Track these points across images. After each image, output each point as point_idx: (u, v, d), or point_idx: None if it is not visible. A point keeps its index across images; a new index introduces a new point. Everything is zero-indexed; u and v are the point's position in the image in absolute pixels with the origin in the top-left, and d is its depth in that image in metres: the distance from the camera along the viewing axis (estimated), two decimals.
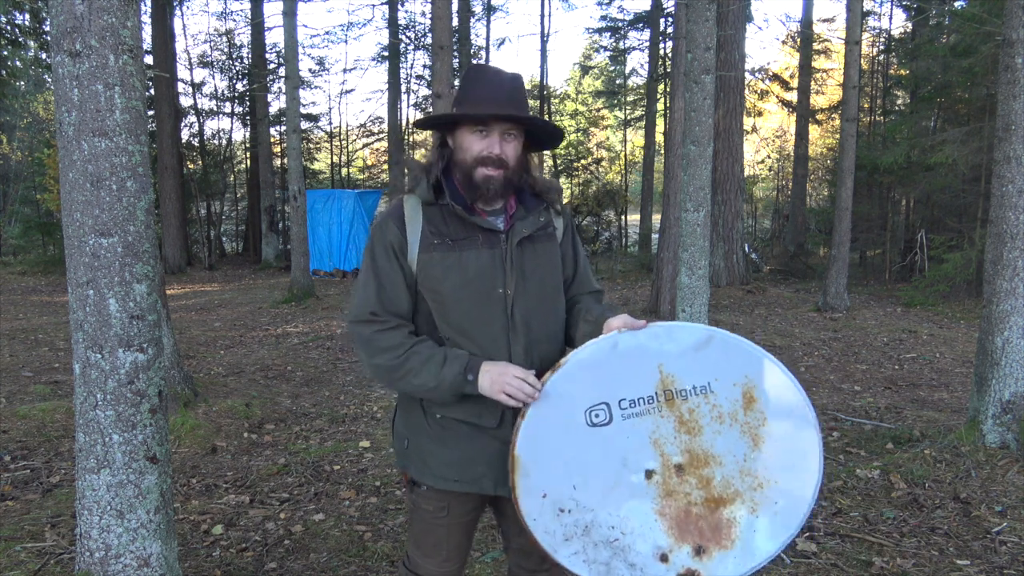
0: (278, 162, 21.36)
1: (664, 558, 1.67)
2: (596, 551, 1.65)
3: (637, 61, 31.91)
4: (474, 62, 19.96)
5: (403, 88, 21.59)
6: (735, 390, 1.71)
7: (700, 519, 1.68)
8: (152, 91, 16.63)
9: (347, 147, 26.06)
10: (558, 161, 22.07)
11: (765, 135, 24.13)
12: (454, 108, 1.76)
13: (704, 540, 1.68)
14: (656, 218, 16.50)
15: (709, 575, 1.67)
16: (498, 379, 1.65)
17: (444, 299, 1.76)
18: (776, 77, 20.30)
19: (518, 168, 1.77)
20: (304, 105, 21.88)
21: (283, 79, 16.39)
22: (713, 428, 1.70)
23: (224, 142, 23.00)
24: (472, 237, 1.76)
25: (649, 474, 1.67)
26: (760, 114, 21.55)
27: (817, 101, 21.11)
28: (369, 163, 26.95)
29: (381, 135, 24.06)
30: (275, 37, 23.55)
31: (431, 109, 14.35)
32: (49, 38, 3.27)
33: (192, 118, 21.62)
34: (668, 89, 13.06)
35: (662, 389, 1.69)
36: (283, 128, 20.46)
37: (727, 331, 1.73)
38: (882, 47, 18.58)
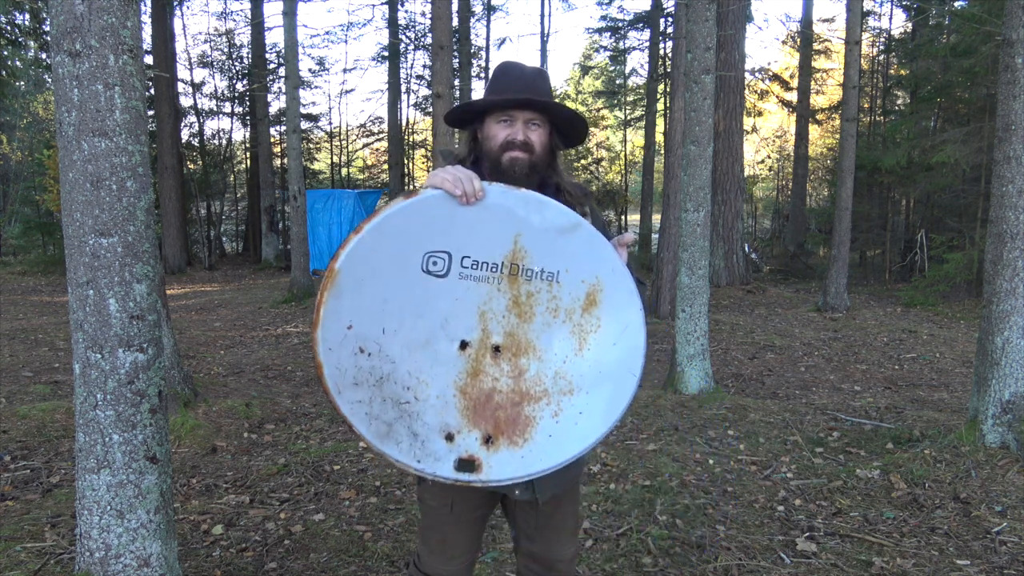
0: (278, 162, 21.36)
1: (450, 437, 1.56)
2: (383, 407, 1.53)
3: (637, 61, 31.97)
4: (473, 63, 19.98)
5: (403, 88, 21.60)
6: (580, 287, 1.60)
7: (500, 409, 1.57)
8: (152, 91, 16.63)
9: (347, 147, 26.06)
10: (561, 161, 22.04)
11: (765, 135, 24.13)
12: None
13: (496, 431, 1.57)
14: (656, 218, 16.50)
15: (488, 468, 1.57)
16: (445, 169, 1.58)
17: None
18: (776, 77, 20.30)
19: (544, 156, 1.79)
20: (304, 105, 21.88)
21: (283, 79, 16.40)
22: (545, 319, 1.58)
23: (224, 142, 23.01)
24: None
25: (463, 345, 1.55)
26: (760, 114, 21.55)
27: (817, 101, 21.11)
28: (369, 163, 26.95)
29: (381, 135, 24.06)
30: (275, 37, 23.62)
31: (431, 109, 14.35)
32: (49, 38, 3.27)
33: (192, 118, 21.64)
34: (668, 89, 13.06)
35: (510, 261, 1.56)
36: (283, 128, 20.47)
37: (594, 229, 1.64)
38: (882, 47, 18.59)
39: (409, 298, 1.53)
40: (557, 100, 1.86)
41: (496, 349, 1.57)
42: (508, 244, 1.57)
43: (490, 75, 1.85)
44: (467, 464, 1.56)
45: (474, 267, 1.55)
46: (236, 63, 21.84)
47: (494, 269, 1.56)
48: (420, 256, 1.54)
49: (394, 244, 1.53)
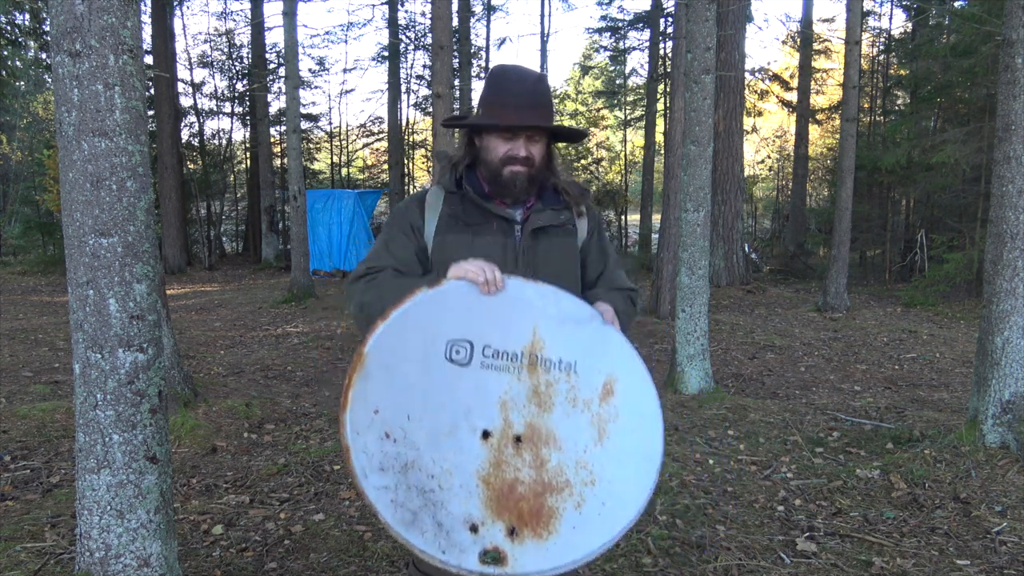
0: (278, 162, 21.36)
1: (474, 528, 1.53)
2: (408, 495, 1.52)
3: (637, 61, 31.94)
4: (474, 63, 19.98)
5: (403, 88, 21.60)
6: (598, 378, 1.65)
7: (523, 500, 1.55)
8: (152, 91, 16.63)
9: (347, 147, 26.06)
10: (558, 161, 22.03)
11: (765, 135, 24.13)
12: (479, 109, 1.80)
13: (521, 523, 1.55)
14: (656, 218, 16.50)
15: (514, 561, 1.53)
16: (466, 262, 1.63)
17: None
18: (776, 77, 20.30)
19: (543, 166, 1.83)
20: (304, 105, 21.88)
21: (283, 79, 16.39)
22: (564, 409, 1.61)
23: (224, 142, 23.01)
24: (487, 223, 1.81)
25: (486, 435, 1.56)
26: (760, 114, 21.55)
27: (817, 101, 21.11)
28: (369, 163, 26.95)
29: (381, 135, 24.06)
30: (275, 37, 23.65)
31: (431, 109, 14.35)
32: (49, 38, 3.27)
33: (192, 118, 21.63)
34: (668, 89, 13.06)
35: (529, 351, 1.61)
36: (283, 128, 20.46)
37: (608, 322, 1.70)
38: (882, 47, 18.58)
39: (433, 385, 1.55)
40: (556, 100, 1.87)
41: (518, 439, 1.58)
42: (527, 334, 1.61)
43: (488, 78, 1.82)
44: (492, 556, 1.53)
45: (495, 356, 1.59)
46: (236, 63, 21.85)
47: (514, 359, 1.60)
48: (444, 344, 1.57)
49: (419, 331, 1.56)
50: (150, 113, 16.37)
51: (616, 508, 1.60)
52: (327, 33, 34.35)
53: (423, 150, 25.01)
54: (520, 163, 1.76)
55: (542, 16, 23.80)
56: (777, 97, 20.23)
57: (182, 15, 32.62)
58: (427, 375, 1.55)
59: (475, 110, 1.82)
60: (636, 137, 27.28)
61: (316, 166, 25.14)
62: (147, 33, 16.64)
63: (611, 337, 1.69)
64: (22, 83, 20.76)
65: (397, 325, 1.55)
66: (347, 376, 1.53)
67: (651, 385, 1.70)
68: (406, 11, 27.98)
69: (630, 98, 24.19)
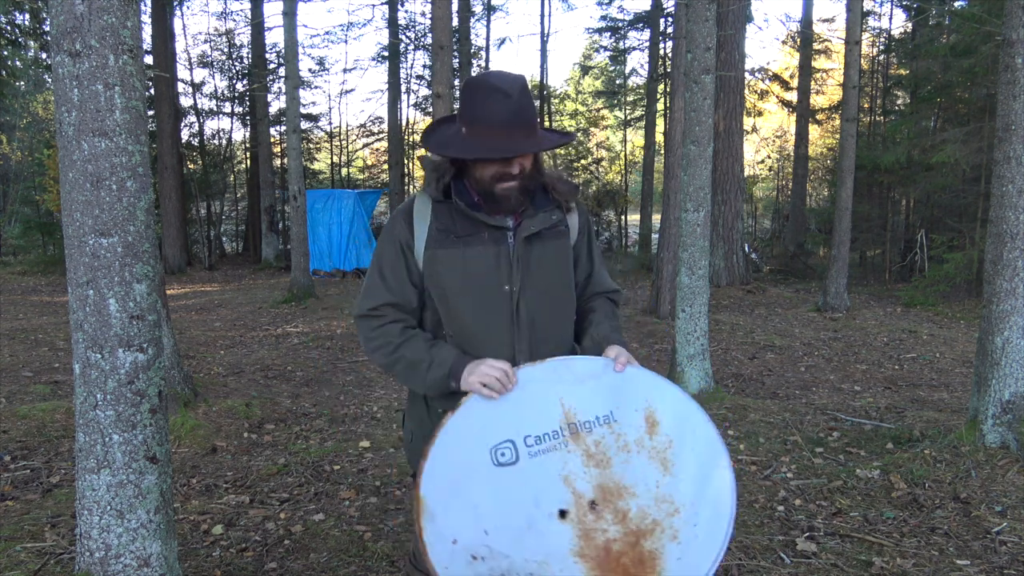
0: (278, 162, 21.35)
1: None
2: None
3: (637, 61, 31.92)
4: (473, 63, 19.97)
5: (403, 88, 21.59)
6: (637, 416, 1.68)
7: (622, 556, 1.58)
8: (152, 91, 16.62)
9: (347, 147, 26.05)
10: (558, 162, 22.08)
11: (765, 135, 24.12)
12: (462, 125, 1.73)
13: None
14: (656, 218, 16.50)
15: None
16: (475, 370, 1.67)
17: (448, 295, 1.78)
18: (776, 77, 20.29)
19: (533, 172, 1.79)
20: (304, 105, 21.87)
21: (283, 79, 16.39)
22: (621, 458, 1.65)
23: (224, 142, 23.01)
24: (478, 233, 1.78)
25: (563, 514, 1.60)
26: (760, 114, 21.54)
27: (817, 101, 21.11)
28: (369, 163, 26.94)
29: (381, 135, 24.05)
30: (275, 37, 23.60)
31: (431, 109, 14.35)
32: (49, 38, 3.27)
33: (192, 118, 21.62)
34: (668, 89, 13.06)
35: (566, 423, 1.65)
36: (283, 128, 20.46)
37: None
38: (882, 47, 18.58)
39: (495, 494, 1.59)
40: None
41: (593, 504, 1.62)
42: (557, 409, 1.66)
43: (468, 91, 1.73)
44: None
45: (538, 442, 1.64)
46: (236, 63, 21.84)
47: (556, 436, 1.64)
48: (487, 454, 1.61)
49: (459, 454, 1.61)
50: (150, 113, 16.36)
51: (709, 522, 1.64)
52: (327, 33, 34.31)
53: (423, 150, 24.98)
54: (513, 179, 1.73)
55: (542, 16, 23.82)
56: (777, 97, 20.22)
57: (182, 15, 32.64)
58: (486, 487, 1.59)
59: (457, 123, 1.75)
60: (636, 137, 27.27)
61: (316, 166, 25.13)
62: (147, 33, 16.64)
63: (632, 375, 1.72)
64: (22, 83, 20.76)
65: (439, 458, 1.60)
66: (415, 523, 1.57)
67: (685, 396, 1.73)
68: (406, 11, 28.00)
69: (630, 98, 24.18)
